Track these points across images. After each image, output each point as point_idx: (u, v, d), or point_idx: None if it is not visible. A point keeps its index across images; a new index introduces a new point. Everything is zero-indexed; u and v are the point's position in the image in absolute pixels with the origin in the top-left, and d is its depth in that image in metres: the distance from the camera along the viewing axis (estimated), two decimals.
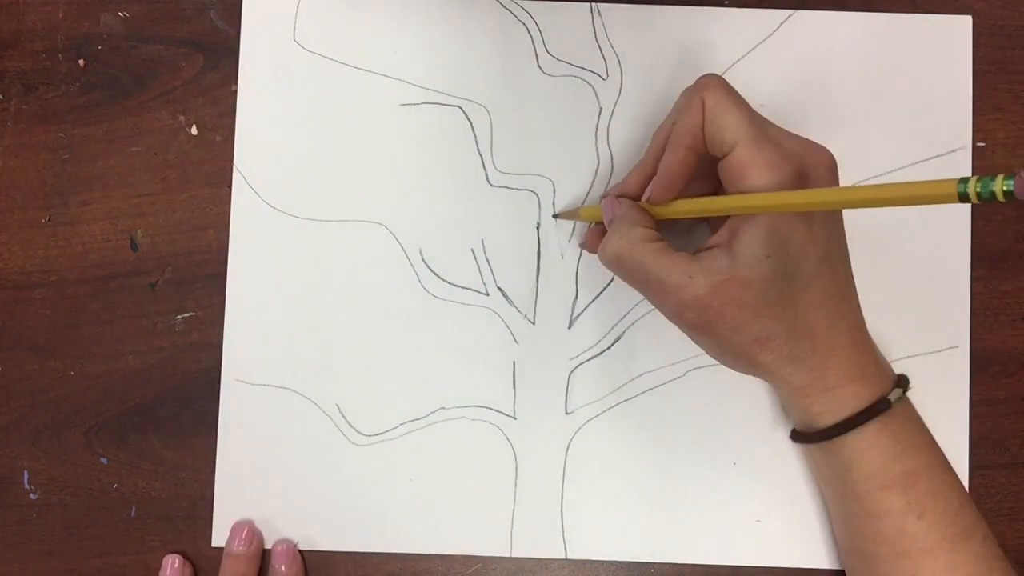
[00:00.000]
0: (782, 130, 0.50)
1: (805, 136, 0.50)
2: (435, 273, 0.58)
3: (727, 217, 0.49)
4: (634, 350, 0.58)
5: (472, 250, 0.58)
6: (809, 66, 0.59)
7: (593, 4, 0.59)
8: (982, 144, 0.59)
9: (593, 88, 0.59)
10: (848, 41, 0.59)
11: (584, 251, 0.58)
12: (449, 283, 0.58)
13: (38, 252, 0.58)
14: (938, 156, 0.58)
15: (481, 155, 0.59)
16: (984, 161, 0.59)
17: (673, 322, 0.50)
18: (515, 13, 0.59)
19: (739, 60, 0.59)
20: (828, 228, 0.49)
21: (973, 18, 0.59)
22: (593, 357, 0.58)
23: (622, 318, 0.58)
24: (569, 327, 0.58)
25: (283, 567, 0.56)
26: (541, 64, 0.59)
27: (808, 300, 0.48)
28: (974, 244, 0.58)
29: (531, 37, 0.59)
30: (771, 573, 0.57)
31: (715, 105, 0.48)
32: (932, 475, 0.50)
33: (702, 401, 0.58)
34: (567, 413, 0.58)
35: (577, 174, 0.59)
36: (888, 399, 0.49)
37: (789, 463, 0.57)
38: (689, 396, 0.58)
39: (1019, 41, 0.59)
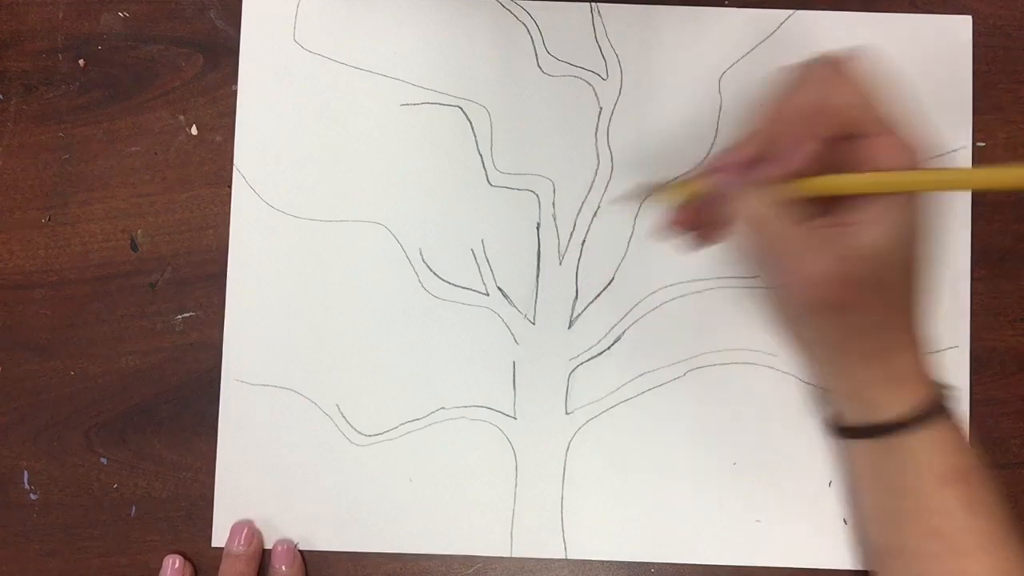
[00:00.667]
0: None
1: None
2: (435, 273, 0.58)
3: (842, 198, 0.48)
4: (634, 350, 0.58)
5: (472, 250, 0.58)
6: None
7: (593, 4, 0.59)
8: (982, 144, 0.59)
9: (593, 88, 0.59)
10: (848, 41, 0.58)
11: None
12: (449, 283, 0.58)
13: (38, 252, 0.58)
14: (938, 156, 0.58)
15: (481, 155, 0.59)
16: (984, 161, 0.59)
17: (800, 296, 0.48)
18: (515, 13, 0.59)
19: (739, 60, 0.59)
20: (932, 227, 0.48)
21: (973, 18, 0.59)
22: (593, 357, 0.58)
23: (622, 318, 0.58)
24: (569, 327, 0.58)
25: (283, 567, 0.56)
26: (541, 64, 0.59)
27: (911, 295, 0.48)
28: (974, 244, 0.58)
29: (531, 37, 0.59)
30: (771, 573, 0.57)
31: (854, 83, 0.47)
32: (983, 473, 0.50)
33: (702, 401, 0.58)
34: (567, 413, 0.58)
35: (577, 174, 0.58)
36: (951, 395, 0.50)
37: (789, 463, 0.57)
38: (689, 396, 0.58)
39: (1019, 41, 0.59)
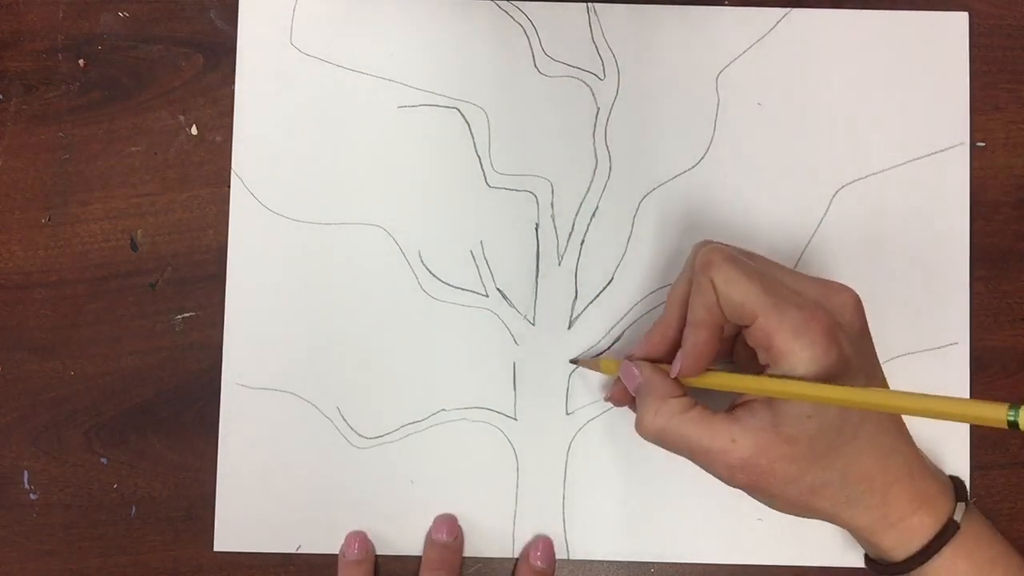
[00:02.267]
0: (800, 278, 0.49)
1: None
2: (434, 275, 0.58)
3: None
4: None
5: (471, 252, 0.58)
6: (806, 63, 0.59)
7: (589, 4, 0.59)
8: (982, 144, 0.59)
9: (590, 88, 0.59)
10: (845, 38, 0.59)
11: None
12: (448, 285, 0.58)
13: (38, 252, 0.58)
14: (935, 153, 0.58)
15: (479, 156, 0.59)
16: (984, 161, 0.59)
17: (725, 483, 0.49)
18: (511, 14, 0.59)
19: (736, 59, 0.59)
20: (867, 372, 0.48)
21: (973, 17, 0.59)
22: (593, 357, 0.58)
23: (622, 318, 0.58)
24: (569, 327, 0.58)
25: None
26: (538, 65, 0.59)
27: (858, 445, 0.47)
28: (974, 244, 0.58)
29: (528, 38, 0.59)
30: (772, 572, 0.57)
31: (725, 283, 0.47)
32: None
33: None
34: (568, 414, 0.58)
35: (575, 175, 0.59)
36: (955, 520, 0.49)
37: None
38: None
39: (1019, 41, 0.59)
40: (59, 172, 0.59)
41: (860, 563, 0.56)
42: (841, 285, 0.49)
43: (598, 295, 0.58)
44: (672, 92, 0.59)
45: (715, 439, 0.47)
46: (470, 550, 0.57)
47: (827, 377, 0.45)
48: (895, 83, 0.59)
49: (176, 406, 0.58)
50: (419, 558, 0.57)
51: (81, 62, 0.59)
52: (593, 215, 0.58)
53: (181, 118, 0.59)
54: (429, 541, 0.56)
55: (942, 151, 0.58)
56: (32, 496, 0.57)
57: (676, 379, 0.50)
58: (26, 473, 0.57)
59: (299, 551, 0.57)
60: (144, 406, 0.58)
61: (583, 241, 0.58)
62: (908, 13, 0.59)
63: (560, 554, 0.57)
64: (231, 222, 0.58)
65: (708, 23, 0.59)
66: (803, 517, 0.50)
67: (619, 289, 0.58)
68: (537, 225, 0.58)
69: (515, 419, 0.58)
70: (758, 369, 0.48)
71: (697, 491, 0.57)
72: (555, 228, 0.58)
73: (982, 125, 0.59)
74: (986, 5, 0.59)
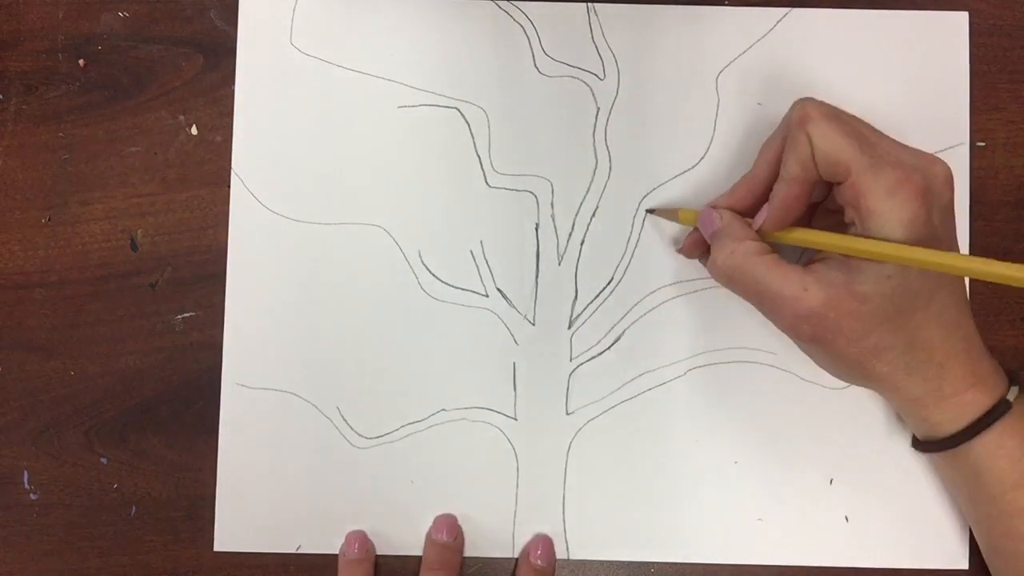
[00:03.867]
0: (895, 144, 0.49)
1: None
2: (434, 275, 0.58)
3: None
4: (634, 350, 0.58)
5: (471, 252, 0.58)
6: (806, 63, 0.59)
7: (589, 4, 0.59)
8: (982, 144, 0.59)
9: (590, 88, 0.59)
10: (844, 37, 0.59)
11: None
12: (448, 285, 0.58)
13: (38, 252, 0.58)
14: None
15: (479, 156, 0.59)
16: (984, 161, 0.59)
17: (787, 334, 0.50)
18: (511, 14, 0.59)
19: (736, 58, 0.59)
20: (948, 246, 0.48)
21: (973, 17, 0.59)
22: (593, 357, 0.58)
23: (622, 318, 0.58)
24: (569, 327, 0.58)
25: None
26: (538, 65, 0.59)
27: (926, 315, 0.48)
28: (974, 244, 0.58)
29: (528, 38, 0.59)
30: (773, 572, 0.57)
31: (821, 138, 0.47)
32: None
33: (703, 400, 0.57)
34: (568, 414, 0.58)
35: (575, 175, 0.59)
36: (1007, 399, 0.49)
37: (791, 462, 0.57)
38: (690, 395, 0.58)
39: (1019, 40, 0.59)
40: (59, 172, 0.59)
41: (860, 563, 0.57)
42: (934, 156, 0.49)
43: (598, 295, 0.58)
44: (672, 92, 0.59)
45: (787, 285, 0.48)
46: (470, 550, 0.57)
47: (914, 241, 0.45)
48: (895, 83, 0.59)
49: (176, 406, 0.58)
50: (419, 558, 0.57)
51: (81, 62, 0.59)
52: (593, 215, 0.58)
53: (181, 118, 0.59)
54: (429, 541, 0.56)
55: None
56: (32, 496, 0.57)
57: (750, 227, 0.51)
58: (26, 473, 0.57)
59: (299, 551, 0.57)
60: (144, 406, 0.58)
61: (583, 241, 0.58)
62: (908, 13, 0.59)
63: (560, 554, 0.57)
64: (231, 222, 0.58)
65: (708, 23, 0.59)
66: (857, 383, 0.52)
67: (619, 289, 0.58)
68: (537, 225, 0.58)
69: (515, 419, 0.58)
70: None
71: (698, 490, 0.57)
72: (555, 228, 0.58)
73: (982, 125, 0.59)
74: (986, 5, 0.59)
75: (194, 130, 0.59)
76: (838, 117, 0.48)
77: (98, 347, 0.58)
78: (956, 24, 0.59)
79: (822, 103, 0.49)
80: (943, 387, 0.49)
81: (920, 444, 0.54)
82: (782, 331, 0.50)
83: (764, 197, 0.51)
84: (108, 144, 0.59)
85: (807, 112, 0.48)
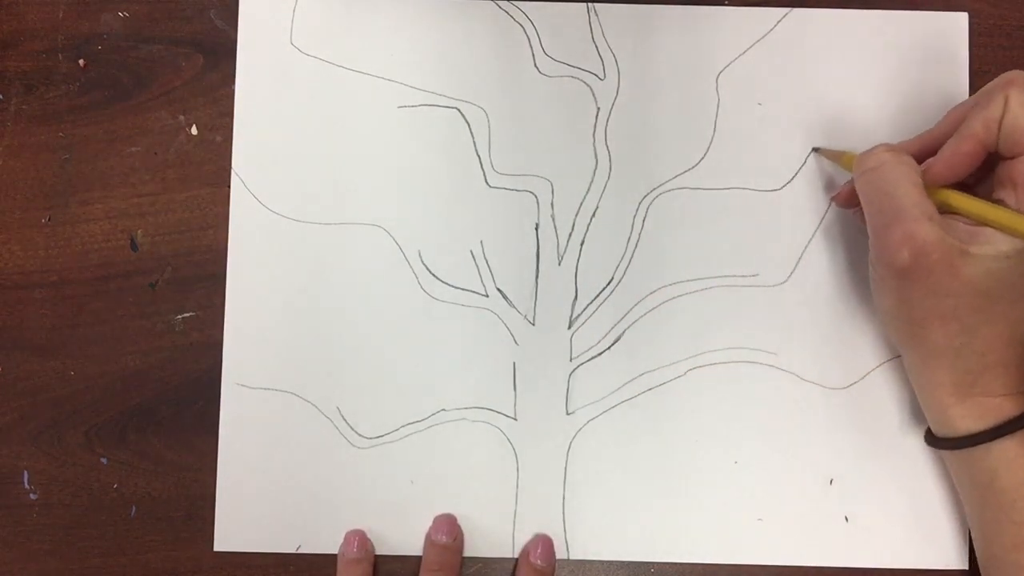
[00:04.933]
0: None
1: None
2: (434, 275, 0.58)
3: None
4: (634, 350, 0.58)
5: (471, 251, 0.58)
6: (806, 63, 0.59)
7: (589, 4, 0.59)
8: None
9: (591, 88, 0.59)
10: (845, 37, 0.59)
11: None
12: (448, 285, 0.58)
13: (38, 252, 0.58)
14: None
15: (479, 156, 0.59)
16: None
17: (882, 257, 0.49)
18: (512, 14, 0.59)
19: (736, 59, 0.59)
20: None
21: (973, 17, 0.59)
22: (593, 357, 0.58)
23: (622, 318, 0.58)
24: (569, 327, 0.58)
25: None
26: (538, 65, 0.59)
27: (1008, 312, 0.48)
28: None
29: (528, 38, 0.59)
30: (772, 572, 0.57)
31: (1020, 105, 0.47)
32: None
33: (703, 400, 0.57)
34: (568, 413, 0.58)
35: (576, 175, 0.59)
36: None
37: (790, 462, 0.57)
38: (690, 395, 0.58)
39: (1019, 41, 0.59)
40: (59, 172, 0.59)
41: (860, 563, 0.57)
42: None
43: (598, 295, 0.58)
44: (672, 92, 0.59)
45: (917, 205, 0.48)
46: (470, 550, 0.57)
47: None
48: (895, 83, 0.59)
49: (176, 406, 0.58)
50: (419, 558, 0.57)
51: (81, 62, 0.59)
52: (593, 215, 0.58)
53: (181, 118, 0.59)
54: (429, 542, 0.56)
55: None
56: (32, 496, 0.57)
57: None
58: (26, 473, 0.57)
59: (299, 551, 0.57)
60: (144, 406, 0.58)
61: (583, 241, 0.58)
62: (908, 13, 0.59)
63: (560, 554, 0.57)
64: (231, 222, 0.58)
65: (708, 23, 0.59)
66: (902, 342, 0.52)
67: (619, 289, 0.58)
68: (537, 225, 0.58)
69: (515, 419, 0.58)
70: None
71: (698, 490, 0.57)
72: (555, 228, 0.58)
73: None
74: (986, 5, 0.59)
75: (194, 130, 0.59)
76: None
77: (98, 347, 0.58)
78: (956, 24, 0.59)
79: None
80: (976, 384, 0.49)
81: (934, 440, 0.53)
82: (879, 252, 0.49)
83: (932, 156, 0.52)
84: (108, 144, 0.59)
85: (1013, 78, 0.48)
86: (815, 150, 0.58)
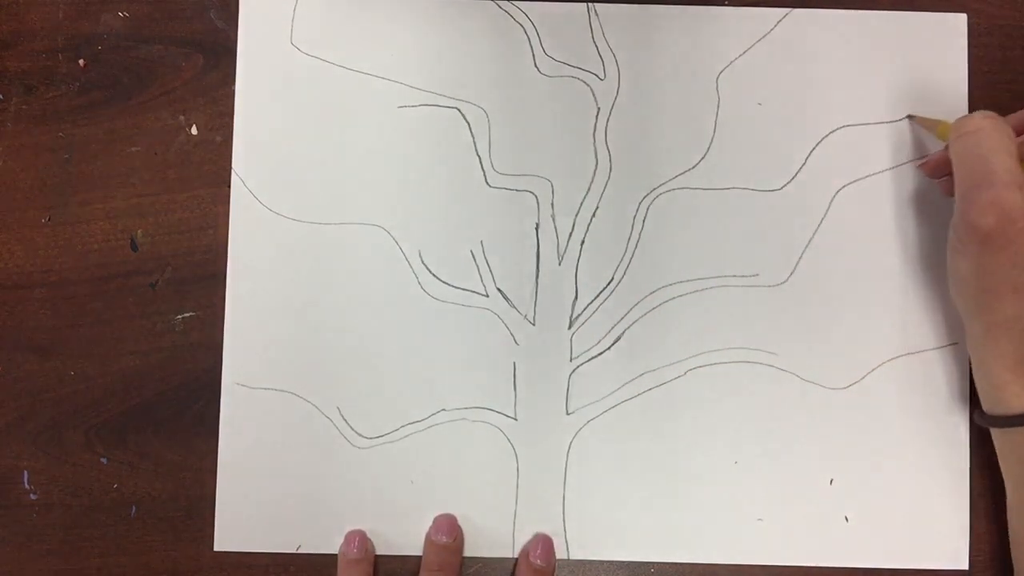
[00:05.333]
0: None
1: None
2: (434, 275, 0.58)
3: None
4: (634, 350, 0.58)
5: (471, 252, 0.58)
6: (806, 63, 0.59)
7: (589, 4, 0.59)
8: None
9: (591, 88, 0.59)
10: (845, 38, 0.59)
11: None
12: (449, 285, 0.58)
13: (38, 252, 0.58)
14: (933, 151, 0.58)
15: (479, 156, 0.59)
16: None
17: (966, 219, 0.49)
18: (511, 14, 0.59)
19: (736, 59, 0.59)
20: None
21: (973, 17, 0.59)
22: (593, 357, 0.58)
23: (622, 318, 0.58)
24: (569, 327, 0.58)
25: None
26: (538, 65, 0.59)
27: None
28: None
29: (528, 38, 0.59)
30: (772, 572, 0.57)
31: None
32: None
33: (703, 400, 0.58)
34: (568, 413, 0.58)
35: (576, 175, 0.59)
36: None
37: (790, 462, 0.57)
38: (690, 395, 0.58)
39: (1018, 40, 0.59)
40: (59, 172, 0.59)
41: (860, 563, 0.57)
42: None
43: (598, 295, 0.58)
44: (672, 92, 0.59)
45: (1009, 172, 0.48)
46: (470, 550, 0.57)
47: None
48: (895, 83, 0.59)
49: (176, 406, 0.58)
50: (419, 558, 0.57)
51: (81, 62, 0.59)
52: (593, 215, 0.58)
53: (181, 118, 0.59)
54: (429, 542, 0.56)
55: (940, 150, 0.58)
56: (32, 496, 0.57)
57: None
58: (26, 473, 0.57)
59: (299, 551, 0.57)
60: (144, 406, 0.58)
61: (583, 241, 0.58)
62: (908, 14, 0.59)
63: (560, 554, 0.57)
64: (231, 222, 0.58)
65: (708, 23, 0.59)
66: (969, 312, 0.52)
67: (619, 289, 0.58)
68: (537, 225, 0.58)
69: (515, 419, 0.58)
70: None
71: (698, 490, 0.57)
72: (555, 228, 0.58)
73: None
74: (986, 5, 0.59)
75: (194, 130, 0.59)
76: None
77: (98, 347, 0.58)
78: (955, 25, 0.59)
79: None
80: None
81: (987, 419, 0.53)
82: (964, 214, 0.49)
83: None
84: (108, 144, 0.59)
85: None
86: (909, 117, 0.58)
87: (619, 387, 0.58)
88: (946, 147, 0.53)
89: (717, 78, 0.59)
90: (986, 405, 0.53)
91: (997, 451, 0.54)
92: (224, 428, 0.57)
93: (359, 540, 0.56)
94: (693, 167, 0.58)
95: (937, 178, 0.57)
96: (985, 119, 0.50)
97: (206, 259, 0.58)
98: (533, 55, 0.59)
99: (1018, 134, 0.51)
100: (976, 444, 0.57)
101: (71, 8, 0.59)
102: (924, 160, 0.57)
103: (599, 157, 0.59)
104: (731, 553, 0.57)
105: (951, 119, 0.53)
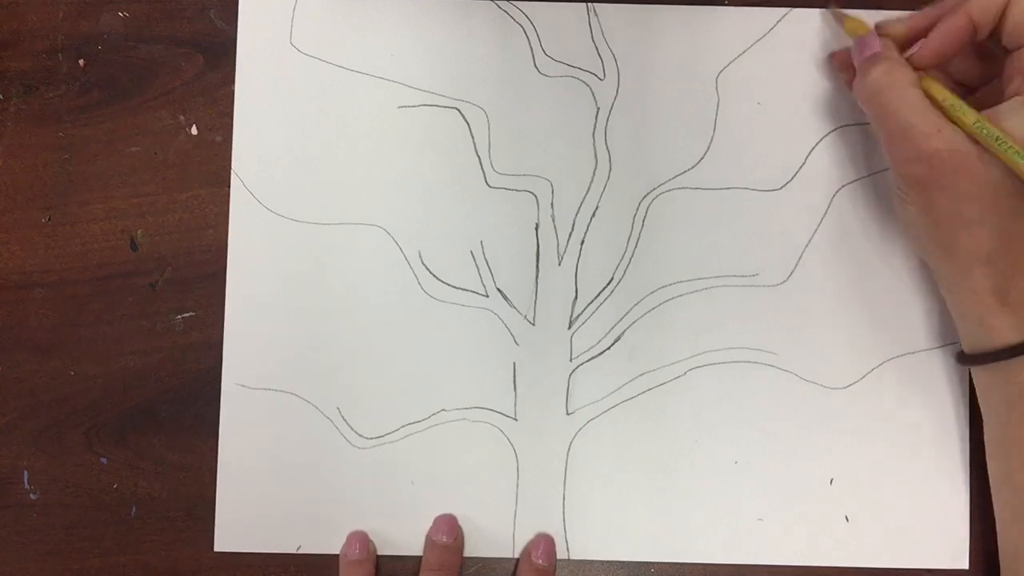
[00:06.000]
0: None
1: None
2: (434, 275, 0.58)
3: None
4: (634, 350, 0.58)
5: (471, 252, 0.58)
6: (806, 63, 0.59)
7: (589, 4, 0.59)
8: None
9: (590, 88, 0.59)
10: (845, 38, 0.59)
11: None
12: (448, 285, 0.58)
13: (38, 252, 0.58)
14: None
15: (479, 156, 0.59)
16: None
17: (900, 172, 0.50)
18: (511, 14, 0.59)
19: (736, 58, 0.59)
20: None
21: None
22: (593, 357, 0.58)
23: (622, 318, 0.58)
24: (569, 327, 0.58)
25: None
26: (538, 65, 0.59)
27: None
28: None
29: (528, 38, 0.59)
30: (772, 572, 0.57)
31: None
32: None
33: (703, 400, 0.58)
34: (568, 414, 0.58)
35: (576, 175, 0.59)
36: None
37: (790, 462, 0.57)
38: (690, 395, 0.58)
39: None
40: (59, 172, 0.59)
41: (860, 563, 0.57)
42: None
43: (598, 295, 0.58)
44: (672, 92, 0.59)
45: (924, 120, 0.48)
46: (470, 550, 0.57)
47: None
48: None
49: (176, 406, 0.58)
50: (419, 558, 0.57)
51: (81, 62, 0.59)
52: (593, 215, 0.58)
53: (181, 118, 0.59)
54: (429, 542, 0.56)
55: None
56: (32, 496, 0.57)
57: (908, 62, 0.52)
58: (26, 473, 0.57)
59: (299, 551, 0.57)
60: (144, 406, 0.58)
61: (583, 241, 0.58)
62: (907, 14, 0.59)
63: (560, 554, 0.57)
64: (231, 222, 0.58)
65: (708, 23, 0.59)
66: (929, 254, 0.52)
67: (619, 289, 0.58)
68: (537, 225, 0.58)
69: (515, 419, 0.58)
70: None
71: (698, 490, 0.57)
72: (555, 228, 0.58)
73: None
74: None
75: (194, 130, 0.59)
76: None
77: (98, 347, 0.58)
78: None
79: None
80: (1012, 291, 0.49)
81: (968, 358, 0.53)
82: (896, 168, 0.50)
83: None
84: (108, 144, 0.59)
85: None
86: (831, 11, 0.59)
87: (619, 387, 0.58)
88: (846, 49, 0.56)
89: (717, 78, 0.59)
90: (967, 345, 0.52)
91: (977, 392, 0.54)
92: (224, 428, 0.57)
93: (361, 541, 0.56)
94: (693, 167, 0.58)
95: (843, 73, 0.58)
96: (881, 71, 0.51)
97: (206, 259, 0.58)
98: (533, 55, 0.59)
99: (914, 39, 0.52)
100: (976, 444, 0.57)
101: (71, 8, 0.59)
102: (832, 55, 0.58)
103: (599, 157, 0.59)
104: (731, 553, 0.57)
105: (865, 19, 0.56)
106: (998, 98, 0.50)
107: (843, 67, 0.57)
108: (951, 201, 0.48)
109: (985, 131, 0.47)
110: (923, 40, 0.51)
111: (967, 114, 0.48)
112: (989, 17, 0.49)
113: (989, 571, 0.56)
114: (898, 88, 0.49)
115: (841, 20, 0.57)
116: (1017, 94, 0.48)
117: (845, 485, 0.57)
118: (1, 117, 0.59)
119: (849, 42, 0.56)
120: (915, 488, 0.57)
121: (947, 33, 0.50)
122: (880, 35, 0.53)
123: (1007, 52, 0.50)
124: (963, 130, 0.48)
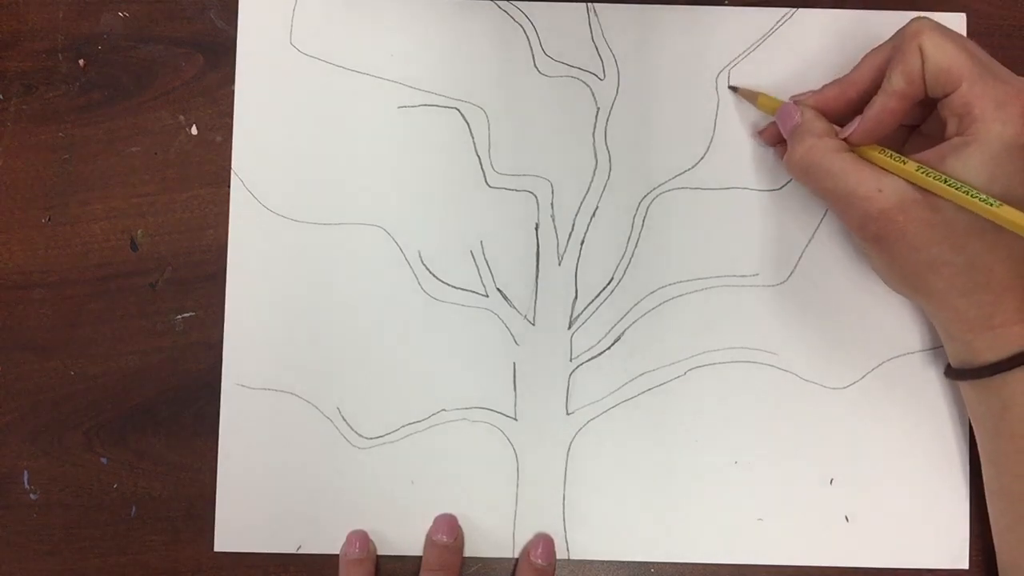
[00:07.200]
0: (1004, 68, 0.49)
1: None
2: (434, 275, 0.58)
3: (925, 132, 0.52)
4: (634, 350, 0.58)
5: (471, 252, 0.58)
6: (805, 63, 0.59)
7: (589, 4, 0.59)
8: None
9: (590, 88, 0.59)
10: (845, 38, 0.59)
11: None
12: (448, 285, 0.58)
13: (38, 252, 0.58)
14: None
15: (479, 157, 0.59)
16: None
17: (854, 233, 0.51)
18: (511, 14, 0.59)
19: (737, 59, 0.59)
20: None
21: (972, 17, 0.59)
22: (593, 357, 0.58)
23: (622, 318, 0.58)
24: (569, 327, 0.58)
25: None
26: (538, 65, 0.59)
27: (995, 240, 0.48)
28: None
29: (528, 38, 0.59)
30: (772, 572, 0.57)
31: (935, 47, 0.48)
32: None
33: (703, 400, 0.58)
34: (568, 414, 0.58)
35: (576, 175, 0.59)
36: None
37: (790, 461, 0.57)
38: (690, 395, 0.58)
39: (1018, 41, 0.59)
40: (59, 172, 0.59)
41: (860, 563, 0.57)
42: None
43: (598, 295, 0.58)
44: (672, 92, 0.59)
45: (862, 183, 0.49)
46: (470, 550, 0.57)
47: (1008, 160, 0.46)
48: None
49: (176, 406, 0.58)
50: (419, 558, 0.57)
51: (81, 62, 0.59)
52: (593, 215, 0.58)
53: (181, 118, 0.59)
54: (429, 542, 0.56)
55: None
56: (32, 496, 0.57)
57: (829, 124, 0.52)
58: (26, 473, 0.57)
59: (299, 551, 0.57)
60: (144, 406, 0.58)
61: (583, 241, 0.58)
62: (908, 13, 0.59)
63: (560, 554, 0.57)
64: (231, 222, 0.58)
65: (708, 23, 0.59)
66: (909, 295, 0.53)
67: (619, 289, 0.58)
68: (537, 225, 0.58)
69: (515, 419, 0.58)
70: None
71: (698, 490, 0.57)
72: (555, 228, 0.58)
73: None
74: (986, 5, 0.59)
75: (194, 130, 0.59)
76: (951, 33, 0.49)
77: (98, 347, 0.58)
78: (955, 25, 0.58)
79: (934, 20, 0.50)
80: (994, 316, 0.49)
81: (954, 372, 0.53)
82: (850, 229, 0.51)
83: (852, 104, 0.53)
84: (108, 144, 0.59)
85: (920, 27, 0.49)
86: (732, 88, 0.59)
87: (619, 387, 0.58)
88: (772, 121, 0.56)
89: (717, 78, 0.59)
90: (954, 360, 0.53)
91: (967, 405, 0.54)
92: (224, 428, 0.57)
93: (360, 541, 0.56)
94: (693, 167, 0.58)
95: (774, 146, 0.58)
96: (805, 147, 0.51)
97: (206, 259, 0.58)
98: (533, 55, 0.59)
99: (840, 104, 0.53)
100: (975, 443, 0.57)
101: (71, 8, 0.59)
102: (759, 131, 0.58)
103: (599, 157, 0.59)
104: (731, 553, 0.57)
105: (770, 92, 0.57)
106: (941, 129, 0.50)
107: (773, 141, 0.58)
108: (912, 251, 0.49)
109: (931, 176, 0.47)
110: (858, 120, 0.51)
111: (907, 163, 0.49)
112: (916, 86, 0.49)
113: (989, 571, 0.56)
114: (827, 159, 0.50)
115: (753, 99, 0.58)
116: (956, 134, 0.48)
117: (845, 485, 0.57)
118: (1, 117, 0.59)
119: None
120: (915, 488, 0.57)
121: (881, 114, 0.50)
122: (796, 103, 0.54)
123: (936, 100, 0.50)
124: (905, 180, 0.49)
